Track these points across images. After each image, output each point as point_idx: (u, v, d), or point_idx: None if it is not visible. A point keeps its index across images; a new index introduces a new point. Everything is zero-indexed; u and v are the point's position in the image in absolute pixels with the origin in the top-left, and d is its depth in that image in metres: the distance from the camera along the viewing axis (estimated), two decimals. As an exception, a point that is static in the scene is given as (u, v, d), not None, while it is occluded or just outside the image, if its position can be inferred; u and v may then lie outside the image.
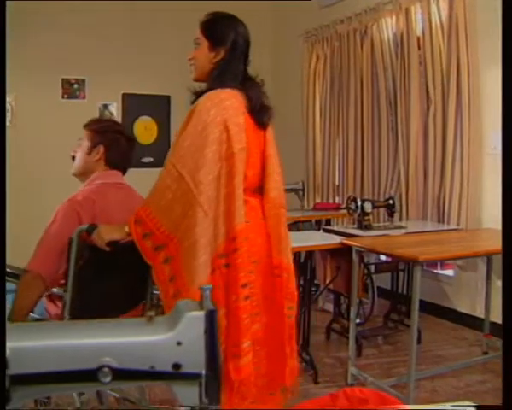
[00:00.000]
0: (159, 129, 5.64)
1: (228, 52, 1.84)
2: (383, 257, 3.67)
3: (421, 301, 2.57)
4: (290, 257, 1.90)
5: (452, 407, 0.98)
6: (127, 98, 5.49)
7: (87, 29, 5.10)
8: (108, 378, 0.71)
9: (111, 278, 1.92)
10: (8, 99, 4.84)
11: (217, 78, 1.83)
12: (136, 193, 2.15)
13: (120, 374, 0.72)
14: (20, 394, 0.70)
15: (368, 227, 3.31)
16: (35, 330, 0.76)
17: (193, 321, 0.74)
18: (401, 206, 4.13)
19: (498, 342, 3.17)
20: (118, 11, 5.22)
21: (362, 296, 3.47)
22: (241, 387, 1.68)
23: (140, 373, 0.73)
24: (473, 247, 3.06)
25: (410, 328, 2.94)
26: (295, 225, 4.01)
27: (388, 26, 4.31)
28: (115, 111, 5.46)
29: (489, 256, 3.25)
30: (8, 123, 4.86)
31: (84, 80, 5.27)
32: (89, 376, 0.71)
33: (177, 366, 0.74)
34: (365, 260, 3.50)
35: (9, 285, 1.87)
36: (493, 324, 3.25)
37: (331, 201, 5.02)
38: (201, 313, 0.74)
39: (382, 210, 4.04)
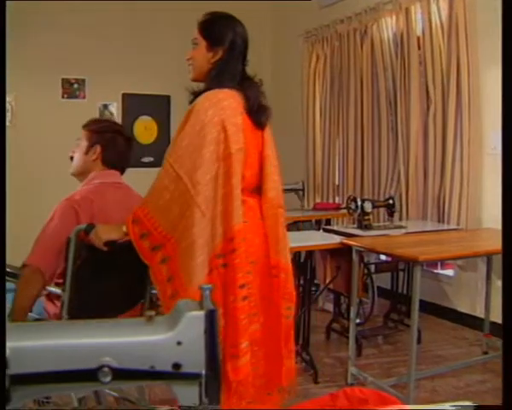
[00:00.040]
0: (159, 129, 5.65)
1: (226, 52, 1.83)
2: (383, 257, 3.67)
3: (421, 300, 2.57)
4: (288, 257, 1.90)
5: (452, 407, 0.98)
6: (127, 98, 5.49)
7: (87, 29, 5.10)
8: (108, 378, 0.71)
9: (109, 277, 1.92)
10: (8, 99, 4.84)
11: (215, 78, 1.82)
12: (135, 192, 2.16)
13: (120, 374, 0.72)
14: (21, 394, 0.70)
15: (368, 227, 3.31)
16: (35, 330, 0.76)
17: (193, 321, 0.74)
18: (401, 206, 4.13)
19: (498, 342, 3.17)
20: (118, 11, 5.22)
21: (362, 296, 3.47)
22: (239, 387, 1.68)
23: (140, 373, 0.73)
24: (473, 247, 3.06)
25: (410, 328, 2.94)
26: (295, 225, 4.01)
27: (388, 26, 4.31)
28: (115, 111, 5.46)
29: (489, 256, 3.25)
30: (8, 123, 4.86)
31: (84, 80, 5.28)
32: (89, 376, 0.71)
33: (177, 365, 0.74)
34: (365, 259, 3.50)
35: (9, 285, 1.87)
36: (493, 324, 3.25)
37: (331, 201, 5.02)
38: (201, 313, 0.74)
39: (382, 210, 4.05)
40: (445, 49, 3.78)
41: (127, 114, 5.49)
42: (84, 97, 5.29)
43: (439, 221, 3.91)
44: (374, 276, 3.77)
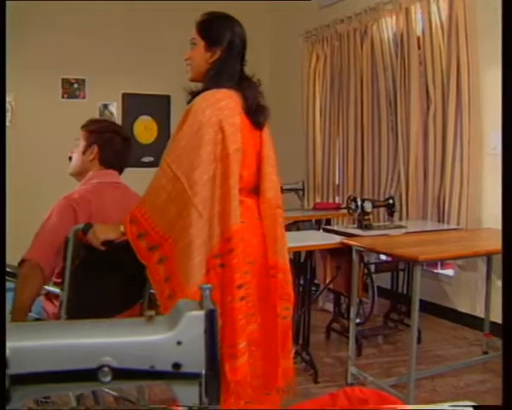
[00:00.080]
0: (159, 129, 5.65)
1: (224, 52, 1.83)
2: (383, 257, 3.67)
3: (421, 300, 2.57)
4: (286, 257, 1.89)
5: (452, 407, 0.98)
6: (127, 98, 5.49)
7: (87, 29, 5.10)
8: (108, 378, 0.71)
9: (107, 277, 1.92)
10: (8, 99, 4.84)
11: (213, 78, 1.82)
12: (133, 192, 2.16)
13: (120, 374, 0.72)
14: (21, 393, 0.70)
15: (368, 227, 3.31)
16: (35, 330, 0.76)
17: (193, 321, 0.74)
18: (401, 205, 4.13)
19: (498, 342, 3.17)
20: (118, 11, 5.22)
21: (362, 296, 3.47)
22: (237, 388, 1.67)
23: (140, 373, 0.73)
24: (473, 247, 3.06)
25: (410, 328, 2.94)
26: (295, 225, 4.02)
27: (388, 26, 4.31)
28: (115, 111, 5.46)
29: (489, 256, 3.25)
30: (8, 123, 4.86)
31: (84, 80, 5.28)
32: (89, 375, 0.71)
33: (176, 365, 0.73)
34: (365, 259, 3.50)
35: (9, 284, 1.87)
36: (493, 323, 3.25)
37: (331, 200, 5.02)
38: (201, 313, 0.74)
39: (382, 210, 4.05)
40: (445, 49, 3.78)
41: (127, 113, 5.49)
42: (84, 97, 5.29)
43: (439, 221, 3.91)
44: (374, 276, 3.77)
